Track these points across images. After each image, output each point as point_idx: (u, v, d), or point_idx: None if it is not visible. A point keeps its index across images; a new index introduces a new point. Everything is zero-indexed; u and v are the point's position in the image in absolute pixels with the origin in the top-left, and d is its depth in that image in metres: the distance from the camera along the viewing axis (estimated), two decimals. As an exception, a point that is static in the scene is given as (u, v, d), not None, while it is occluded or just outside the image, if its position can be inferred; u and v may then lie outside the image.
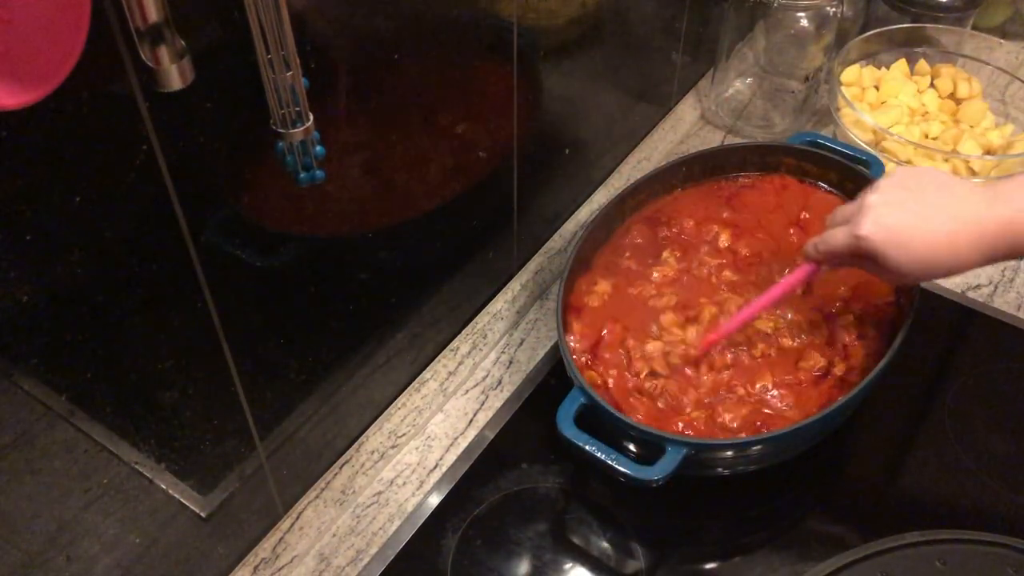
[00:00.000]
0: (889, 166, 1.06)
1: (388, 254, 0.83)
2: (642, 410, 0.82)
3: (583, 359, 0.86)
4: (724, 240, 0.95)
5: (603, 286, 0.92)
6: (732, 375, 0.84)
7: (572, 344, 0.86)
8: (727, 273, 0.93)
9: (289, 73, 0.55)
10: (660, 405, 0.83)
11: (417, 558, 0.81)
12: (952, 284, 1.03)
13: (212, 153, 0.59)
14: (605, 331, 0.88)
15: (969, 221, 0.67)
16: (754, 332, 0.86)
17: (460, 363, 0.95)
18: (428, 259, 0.87)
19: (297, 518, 0.81)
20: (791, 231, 0.96)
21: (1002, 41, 1.21)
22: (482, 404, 0.93)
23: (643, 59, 1.13)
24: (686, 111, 1.26)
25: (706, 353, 0.84)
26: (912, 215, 0.69)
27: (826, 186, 1.00)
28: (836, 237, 0.73)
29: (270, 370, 0.72)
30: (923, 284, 0.88)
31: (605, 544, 0.82)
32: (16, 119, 0.43)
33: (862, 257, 0.71)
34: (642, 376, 0.84)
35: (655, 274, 0.93)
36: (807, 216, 0.97)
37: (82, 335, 0.55)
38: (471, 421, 0.92)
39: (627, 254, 0.95)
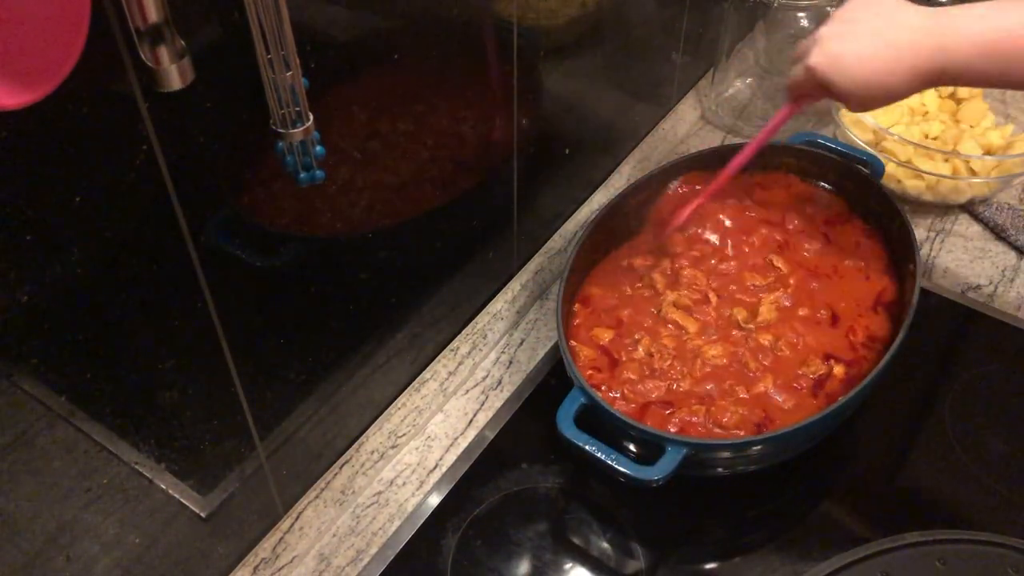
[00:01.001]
0: (889, 166, 1.06)
1: (388, 254, 0.83)
2: (639, 401, 0.82)
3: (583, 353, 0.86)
4: (728, 239, 0.96)
5: (603, 287, 0.92)
6: (732, 378, 0.84)
7: (573, 344, 0.87)
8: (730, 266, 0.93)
9: (289, 73, 0.55)
10: (656, 396, 0.83)
11: (417, 558, 0.81)
12: (952, 284, 1.03)
13: (212, 153, 0.59)
14: (605, 334, 0.88)
15: (904, 47, 0.73)
16: (756, 344, 0.86)
17: (460, 363, 0.95)
18: (428, 259, 0.87)
19: (297, 518, 0.81)
20: (790, 227, 0.97)
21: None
22: (482, 404, 0.93)
23: (643, 59, 1.13)
24: (686, 111, 1.26)
25: (688, 219, 0.91)
26: (854, 43, 0.75)
27: (827, 185, 1.00)
28: (796, 71, 0.81)
29: (270, 370, 0.72)
30: (923, 284, 0.88)
31: (605, 544, 0.82)
32: (16, 119, 0.43)
33: (818, 87, 0.78)
34: (641, 358, 0.85)
35: (656, 275, 0.93)
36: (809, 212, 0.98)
37: (82, 335, 0.55)
38: (471, 421, 0.92)
39: (628, 254, 0.96)
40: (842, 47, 0.76)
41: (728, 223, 0.97)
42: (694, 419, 0.81)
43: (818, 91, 0.80)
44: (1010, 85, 0.74)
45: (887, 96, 0.76)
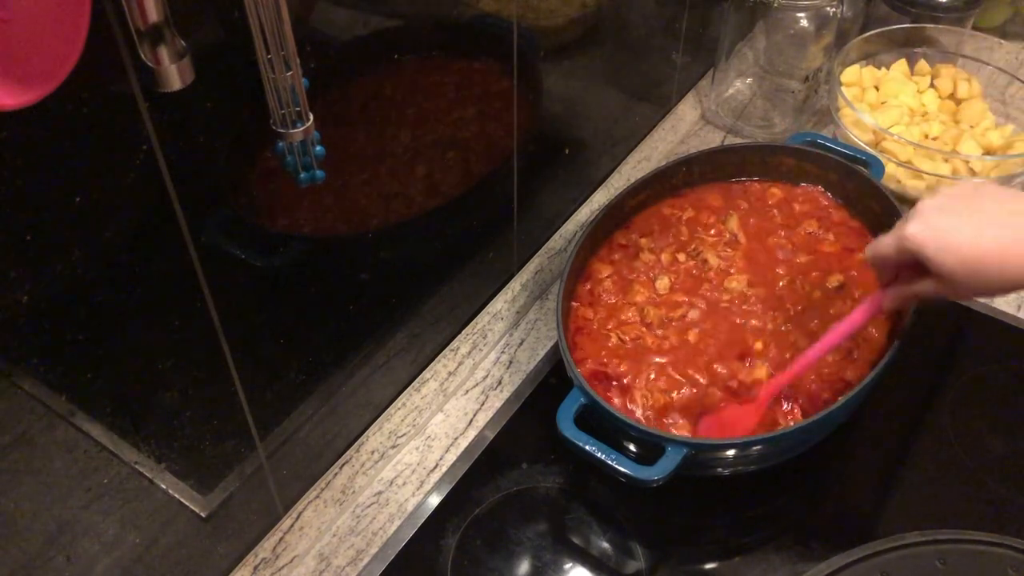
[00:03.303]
0: (889, 167, 1.06)
1: (388, 254, 0.83)
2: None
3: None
4: (726, 240, 0.96)
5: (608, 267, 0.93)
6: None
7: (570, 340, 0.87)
8: (732, 271, 0.93)
9: (289, 73, 0.55)
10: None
11: (417, 558, 0.81)
12: (952, 284, 1.03)
13: (212, 153, 0.59)
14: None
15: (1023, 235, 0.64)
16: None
17: (460, 363, 0.95)
18: (428, 259, 0.87)
19: (297, 518, 0.81)
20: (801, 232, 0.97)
21: (1002, 41, 1.21)
22: (482, 404, 0.93)
23: (643, 59, 1.13)
24: (686, 111, 1.26)
25: (768, 403, 0.80)
26: (962, 220, 0.66)
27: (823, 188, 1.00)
28: (884, 242, 0.71)
29: (270, 370, 0.72)
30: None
31: (605, 544, 0.82)
32: (16, 119, 0.43)
33: (913, 267, 0.69)
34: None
35: (660, 259, 0.93)
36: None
37: (82, 335, 0.55)
38: (471, 421, 0.92)
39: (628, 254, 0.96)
40: (951, 222, 0.66)
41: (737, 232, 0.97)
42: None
43: (910, 272, 0.70)
44: None
45: (1001, 285, 0.65)
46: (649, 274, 0.93)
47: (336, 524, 0.84)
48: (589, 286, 0.92)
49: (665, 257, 0.94)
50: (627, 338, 0.87)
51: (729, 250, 0.94)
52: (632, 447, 0.79)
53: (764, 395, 0.80)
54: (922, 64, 1.21)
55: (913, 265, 0.69)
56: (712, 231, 0.97)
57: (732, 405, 0.81)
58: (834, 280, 0.90)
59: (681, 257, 0.94)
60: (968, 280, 0.66)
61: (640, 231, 0.97)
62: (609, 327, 0.88)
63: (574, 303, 0.91)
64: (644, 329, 0.87)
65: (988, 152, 1.10)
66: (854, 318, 0.76)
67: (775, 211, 0.99)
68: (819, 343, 0.78)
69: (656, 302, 0.90)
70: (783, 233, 0.96)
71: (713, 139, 1.24)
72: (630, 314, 0.89)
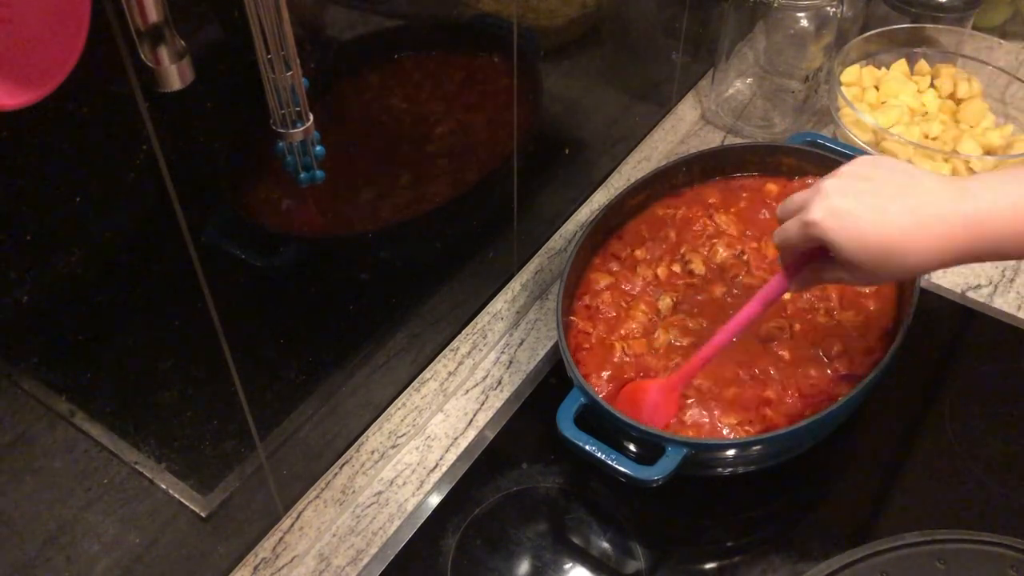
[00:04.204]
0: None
1: (388, 254, 0.83)
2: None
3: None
4: (723, 241, 0.96)
5: (606, 277, 0.92)
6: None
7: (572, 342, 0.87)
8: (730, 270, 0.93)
9: (289, 73, 0.55)
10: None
11: (417, 558, 0.81)
12: (952, 284, 1.03)
13: (212, 153, 0.59)
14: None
15: (930, 216, 0.62)
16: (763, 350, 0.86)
17: (460, 363, 0.95)
18: (428, 259, 0.87)
19: (297, 518, 0.81)
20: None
21: (1002, 41, 1.21)
22: (482, 404, 0.93)
23: (643, 59, 1.13)
24: (686, 111, 1.26)
25: (686, 381, 0.81)
26: (867, 204, 0.63)
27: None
28: (789, 228, 0.68)
29: (270, 370, 0.72)
30: (923, 284, 0.88)
31: (605, 544, 0.82)
32: (16, 119, 0.43)
33: (816, 253, 0.67)
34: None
35: (656, 274, 0.93)
36: None
37: (82, 335, 0.55)
38: (471, 421, 0.92)
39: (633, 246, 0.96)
40: (853, 204, 0.63)
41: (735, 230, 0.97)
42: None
43: (814, 256, 0.68)
44: None
45: (902, 270, 0.63)
46: (648, 290, 0.92)
47: (336, 524, 0.84)
48: (587, 300, 0.91)
49: (661, 271, 0.93)
50: (631, 353, 0.86)
51: (722, 249, 0.94)
52: (632, 447, 0.79)
53: (677, 379, 0.80)
54: (922, 64, 1.21)
55: (817, 248, 0.67)
56: (696, 225, 0.97)
57: (649, 380, 0.83)
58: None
59: (676, 268, 0.93)
60: (874, 269, 0.64)
61: (633, 241, 0.96)
62: (612, 338, 0.87)
63: (572, 317, 0.89)
64: (651, 357, 0.86)
65: (988, 152, 1.10)
66: (753, 305, 0.74)
67: (774, 204, 0.99)
68: (721, 331, 0.76)
69: (661, 325, 0.89)
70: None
71: (713, 139, 1.24)
72: (634, 326, 0.88)
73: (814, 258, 0.68)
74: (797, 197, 0.68)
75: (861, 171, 0.65)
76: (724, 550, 0.83)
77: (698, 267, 0.93)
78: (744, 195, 1.00)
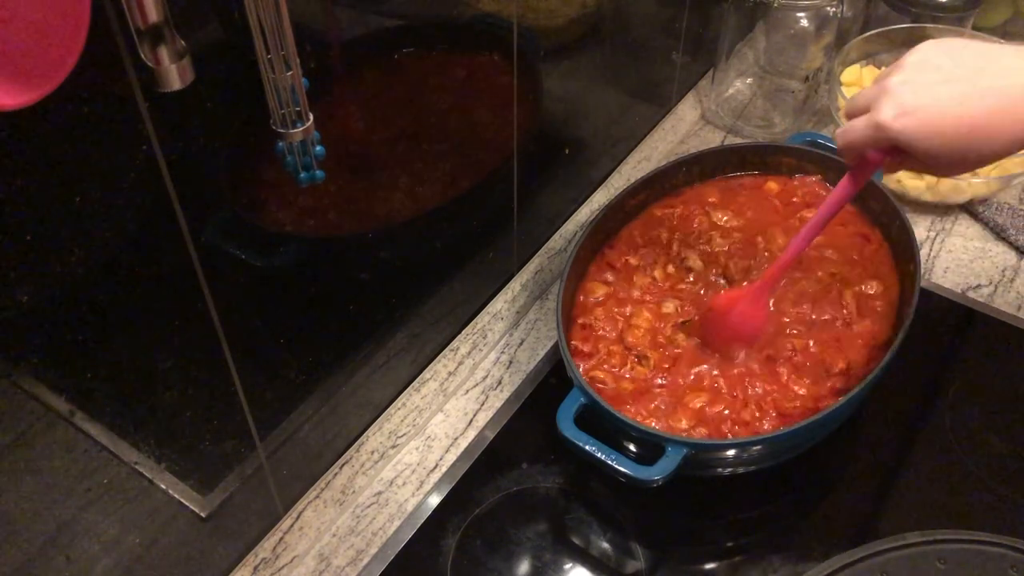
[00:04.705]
0: (889, 166, 1.06)
1: (388, 254, 0.83)
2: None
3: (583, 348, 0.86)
4: (721, 240, 0.96)
5: (602, 287, 0.92)
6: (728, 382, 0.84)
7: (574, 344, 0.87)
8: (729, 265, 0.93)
9: (289, 73, 0.55)
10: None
11: (417, 558, 0.81)
12: (952, 284, 1.03)
13: (212, 153, 0.59)
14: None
15: (1015, 96, 0.57)
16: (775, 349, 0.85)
17: (460, 363, 0.95)
18: (428, 259, 0.87)
19: (297, 518, 0.81)
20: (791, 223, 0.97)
21: (1003, 41, 1.21)
22: (482, 404, 0.93)
23: (643, 59, 1.13)
24: (686, 111, 1.26)
25: (772, 287, 0.80)
26: (942, 95, 0.58)
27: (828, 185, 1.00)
28: (855, 130, 0.63)
29: (270, 370, 0.72)
30: (923, 284, 0.88)
31: (605, 544, 0.82)
32: (16, 119, 0.43)
33: (889, 151, 0.62)
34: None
35: (656, 273, 0.93)
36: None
37: (82, 335, 0.55)
38: (471, 421, 0.92)
39: (627, 253, 0.95)
40: (926, 98, 0.59)
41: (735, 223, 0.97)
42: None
43: (888, 154, 0.63)
44: None
45: (989, 158, 0.59)
46: (646, 297, 0.91)
47: (336, 524, 0.84)
48: (584, 319, 0.90)
49: (658, 274, 0.93)
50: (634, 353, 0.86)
51: (720, 240, 0.94)
52: (632, 447, 0.79)
53: (763, 282, 0.80)
54: (922, 64, 1.21)
55: (889, 148, 0.63)
56: (694, 223, 0.97)
57: (731, 293, 0.83)
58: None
59: (671, 269, 0.93)
60: (956, 159, 0.60)
61: (627, 248, 0.96)
62: (616, 348, 0.87)
63: (573, 342, 0.89)
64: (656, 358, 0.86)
65: (988, 152, 1.10)
66: (825, 208, 0.71)
67: (775, 201, 0.99)
68: (801, 233, 0.74)
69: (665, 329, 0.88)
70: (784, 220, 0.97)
71: (713, 139, 1.24)
72: (640, 334, 0.87)
73: (886, 155, 0.64)
74: (862, 96, 0.64)
75: (929, 58, 0.60)
76: (724, 550, 0.83)
77: (695, 263, 0.92)
78: (744, 193, 1.00)
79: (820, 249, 0.93)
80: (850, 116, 0.65)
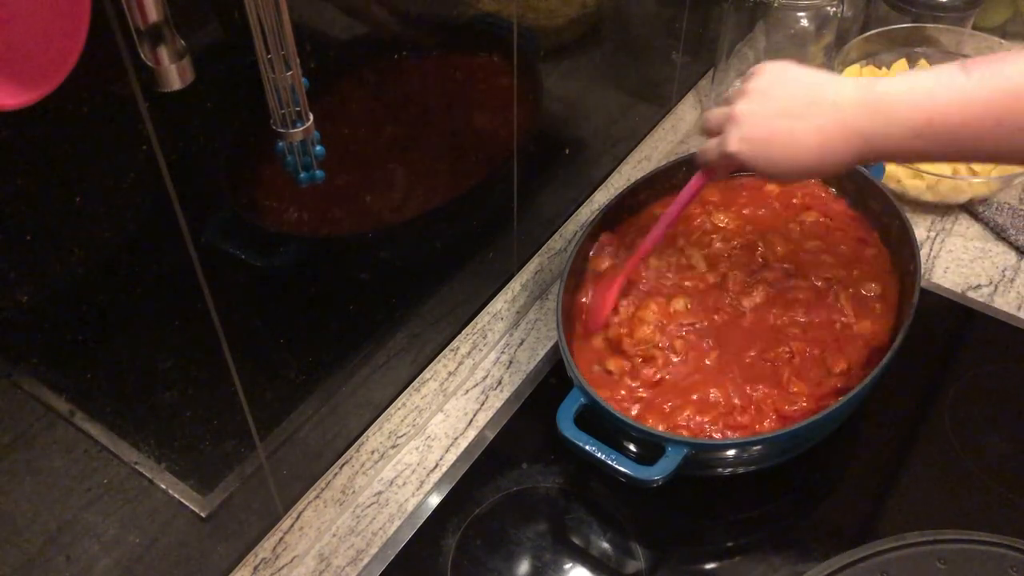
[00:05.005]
0: (889, 166, 1.06)
1: (388, 254, 0.83)
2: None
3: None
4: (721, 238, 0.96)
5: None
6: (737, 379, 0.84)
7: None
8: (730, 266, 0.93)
9: (289, 73, 0.55)
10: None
11: (417, 558, 0.81)
12: (952, 284, 1.03)
13: (212, 153, 0.59)
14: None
15: (835, 125, 0.67)
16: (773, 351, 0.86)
17: (460, 363, 0.95)
18: (428, 259, 0.87)
19: (297, 518, 0.81)
20: (789, 225, 0.97)
21: (1002, 41, 1.21)
22: (482, 404, 0.93)
23: (643, 59, 1.13)
24: (686, 111, 1.26)
25: (625, 277, 0.87)
26: (778, 127, 0.69)
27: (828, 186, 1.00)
28: (710, 152, 0.75)
29: (270, 370, 0.72)
30: (923, 284, 0.88)
31: (605, 544, 0.82)
32: (16, 119, 0.43)
33: (735, 166, 0.74)
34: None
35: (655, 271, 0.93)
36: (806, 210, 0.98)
37: (82, 335, 0.55)
38: (471, 421, 0.92)
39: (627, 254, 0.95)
40: (763, 130, 0.70)
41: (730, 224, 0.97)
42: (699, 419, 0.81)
43: (733, 168, 0.75)
44: (955, 159, 0.69)
45: (813, 174, 0.76)
46: (653, 291, 0.90)
47: (336, 524, 0.84)
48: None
49: (662, 264, 0.93)
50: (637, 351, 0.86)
51: (720, 245, 0.94)
52: (632, 447, 0.79)
53: (617, 274, 0.87)
54: (922, 64, 1.21)
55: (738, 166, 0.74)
56: (696, 221, 0.97)
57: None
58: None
59: (675, 259, 0.93)
60: (785, 175, 0.73)
61: (629, 243, 0.96)
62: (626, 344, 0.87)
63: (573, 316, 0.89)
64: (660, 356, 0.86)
65: (988, 152, 1.10)
66: (678, 204, 0.82)
67: (776, 203, 0.99)
68: (658, 224, 0.84)
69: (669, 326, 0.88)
70: (787, 224, 0.96)
71: (713, 139, 1.24)
72: (646, 329, 0.87)
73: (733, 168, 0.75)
74: (713, 117, 0.75)
75: (768, 89, 0.71)
76: (724, 550, 0.83)
77: (699, 264, 0.92)
78: (744, 193, 1.00)
79: (816, 255, 0.93)
80: (706, 132, 0.77)
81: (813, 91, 0.69)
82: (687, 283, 0.91)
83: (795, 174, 0.73)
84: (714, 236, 0.95)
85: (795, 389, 0.82)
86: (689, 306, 0.89)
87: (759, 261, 0.92)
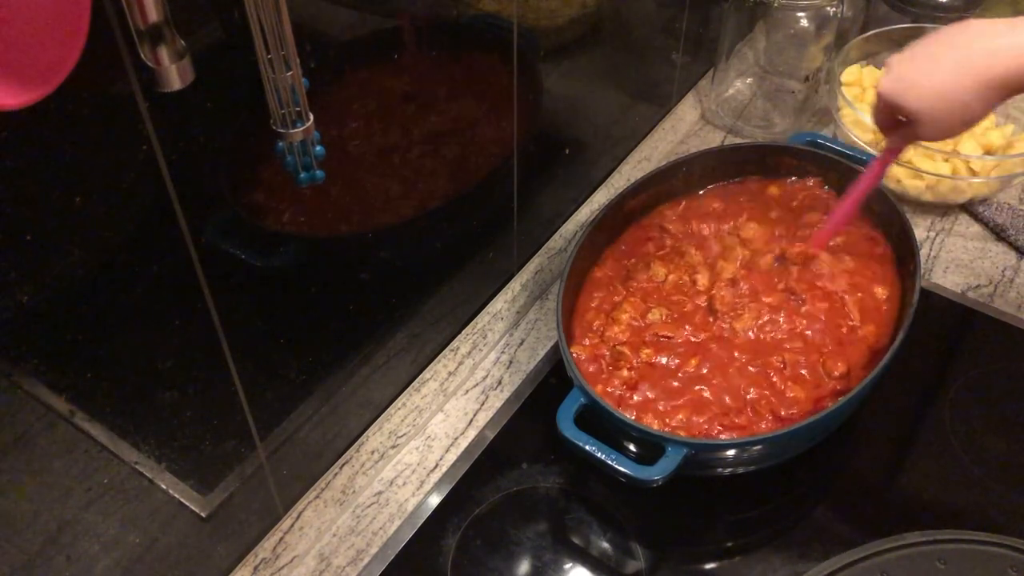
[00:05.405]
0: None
1: (388, 254, 0.83)
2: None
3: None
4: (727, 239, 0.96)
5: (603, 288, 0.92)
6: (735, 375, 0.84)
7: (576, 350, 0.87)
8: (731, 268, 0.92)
9: (289, 73, 0.55)
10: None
11: (417, 558, 0.81)
12: (952, 284, 1.03)
13: (212, 153, 0.59)
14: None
15: (976, 55, 0.71)
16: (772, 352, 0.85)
17: (460, 363, 0.95)
18: (428, 259, 0.87)
19: (297, 518, 0.81)
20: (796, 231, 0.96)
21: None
22: (482, 404, 0.93)
23: (643, 59, 1.14)
24: (686, 111, 1.26)
25: (823, 247, 0.90)
26: (921, 61, 0.74)
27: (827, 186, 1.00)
28: (875, 103, 0.80)
29: (270, 370, 0.72)
30: (923, 284, 0.88)
31: (605, 544, 0.82)
32: (16, 119, 0.43)
33: (892, 114, 0.78)
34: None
35: (655, 272, 0.93)
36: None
37: (82, 335, 0.55)
38: (471, 421, 0.92)
39: (628, 254, 0.95)
40: (910, 67, 0.75)
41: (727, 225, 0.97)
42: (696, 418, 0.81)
43: (896, 121, 0.79)
44: None
45: (964, 115, 0.73)
46: (638, 295, 0.91)
47: (336, 524, 0.84)
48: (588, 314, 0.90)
49: (660, 272, 0.92)
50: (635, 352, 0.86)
51: (729, 267, 0.93)
52: (632, 447, 0.79)
53: (818, 240, 0.90)
54: (922, 64, 1.21)
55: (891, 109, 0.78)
56: (693, 228, 0.97)
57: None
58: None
59: (672, 276, 0.92)
60: (935, 113, 0.74)
61: (627, 248, 0.96)
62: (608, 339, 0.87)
63: (573, 317, 0.89)
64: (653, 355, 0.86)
65: (988, 152, 1.10)
66: (872, 170, 0.86)
67: (775, 210, 0.99)
68: (847, 198, 0.88)
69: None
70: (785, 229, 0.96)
71: (713, 139, 1.24)
72: (617, 330, 0.87)
73: (897, 125, 0.80)
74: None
75: (924, 41, 0.76)
76: (724, 550, 0.83)
77: (700, 280, 0.92)
78: (744, 195, 1.00)
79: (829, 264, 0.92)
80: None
81: (965, 30, 0.73)
82: (675, 297, 0.90)
83: (941, 105, 0.73)
84: (715, 244, 0.95)
85: (791, 394, 0.82)
86: (665, 318, 0.88)
87: (774, 280, 0.91)
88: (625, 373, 0.84)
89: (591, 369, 0.85)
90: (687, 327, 0.87)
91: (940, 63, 0.72)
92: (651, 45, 1.13)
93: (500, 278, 0.99)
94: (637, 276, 0.92)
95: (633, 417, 0.80)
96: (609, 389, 0.83)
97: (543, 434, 0.88)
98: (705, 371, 0.84)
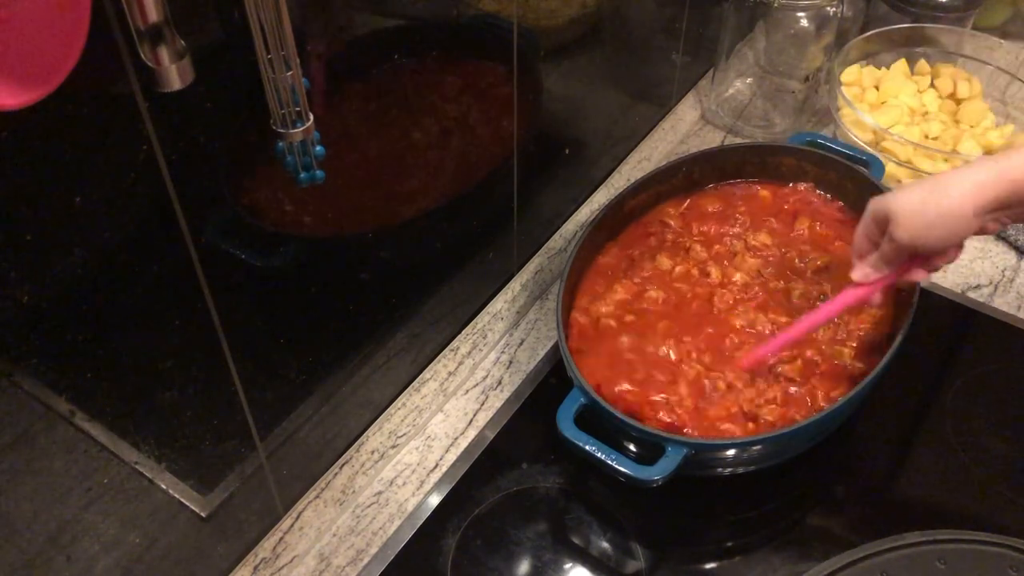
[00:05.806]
0: (889, 167, 1.06)
1: (388, 254, 0.83)
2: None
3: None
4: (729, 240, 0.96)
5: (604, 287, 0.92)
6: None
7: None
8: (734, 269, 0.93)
9: (289, 73, 0.55)
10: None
11: (417, 558, 0.81)
12: (952, 284, 1.03)
13: (212, 153, 0.59)
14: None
15: (973, 184, 0.72)
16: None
17: (460, 363, 0.95)
18: (428, 259, 0.87)
19: (297, 518, 0.81)
20: (793, 233, 0.96)
21: (1002, 41, 1.21)
22: (482, 404, 0.93)
23: (643, 59, 1.14)
24: (686, 111, 1.26)
25: (751, 369, 0.83)
26: (924, 189, 0.74)
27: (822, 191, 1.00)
28: (883, 250, 0.77)
29: (270, 370, 0.72)
30: (923, 284, 0.88)
31: (605, 544, 0.82)
32: (16, 119, 0.43)
33: (884, 233, 0.76)
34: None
35: (660, 262, 0.93)
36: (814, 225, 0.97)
37: (82, 335, 0.55)
38: (471, 421, 0.92)
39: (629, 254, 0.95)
40: (914, 191, 0.75)
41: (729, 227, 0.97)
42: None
43: (895, 255, 0.78)
44: None
45: (955, 233, 0.76)
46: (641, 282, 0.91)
47: (336, 524, 0.84)
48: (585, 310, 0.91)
49: (665, 263, 0.93)
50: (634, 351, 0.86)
51: (728, 263, 0.94)
52: (632, 447, 0.79)
53: (749, 362, 0.83)
54: (922, 64, 1.21)
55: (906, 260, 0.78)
56: (694, 226, 0.97)
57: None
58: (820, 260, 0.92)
59: (677, 267, 0.93)
60: (933, 232, 0.75)
61: (627, 247, 0.96)
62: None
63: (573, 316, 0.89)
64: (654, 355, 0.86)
65: (988, 152, 1.10)
66: (835, 303, 0.81)
67: (772, 218, 0.98)
68: (800, 322, 0.82)
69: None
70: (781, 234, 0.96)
71: (713, 139, 1.24)
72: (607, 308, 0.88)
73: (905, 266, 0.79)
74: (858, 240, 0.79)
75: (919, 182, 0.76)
76: (724, 550, 0.83)
77: (716, 272, 0.92)
78: (741, 205, 1.00)
79: (830, 269, 0.92)
80: (858, 253, 0.81)
81: (955, 171, 0.74)
82: (678, 285, 0.91)
83: (937, 226, 0.74)
84: (744, 256, 0.95)
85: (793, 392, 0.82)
86: (662, 302, 0.90)
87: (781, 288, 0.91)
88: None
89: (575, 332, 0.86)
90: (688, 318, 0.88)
91: (943, 191, 0.73)
92: (651, 45, 1.13)
93: (500, 278, 0.99)
94: (643, 265, 0.92)
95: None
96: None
97: (543, 434, 0.88)
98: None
